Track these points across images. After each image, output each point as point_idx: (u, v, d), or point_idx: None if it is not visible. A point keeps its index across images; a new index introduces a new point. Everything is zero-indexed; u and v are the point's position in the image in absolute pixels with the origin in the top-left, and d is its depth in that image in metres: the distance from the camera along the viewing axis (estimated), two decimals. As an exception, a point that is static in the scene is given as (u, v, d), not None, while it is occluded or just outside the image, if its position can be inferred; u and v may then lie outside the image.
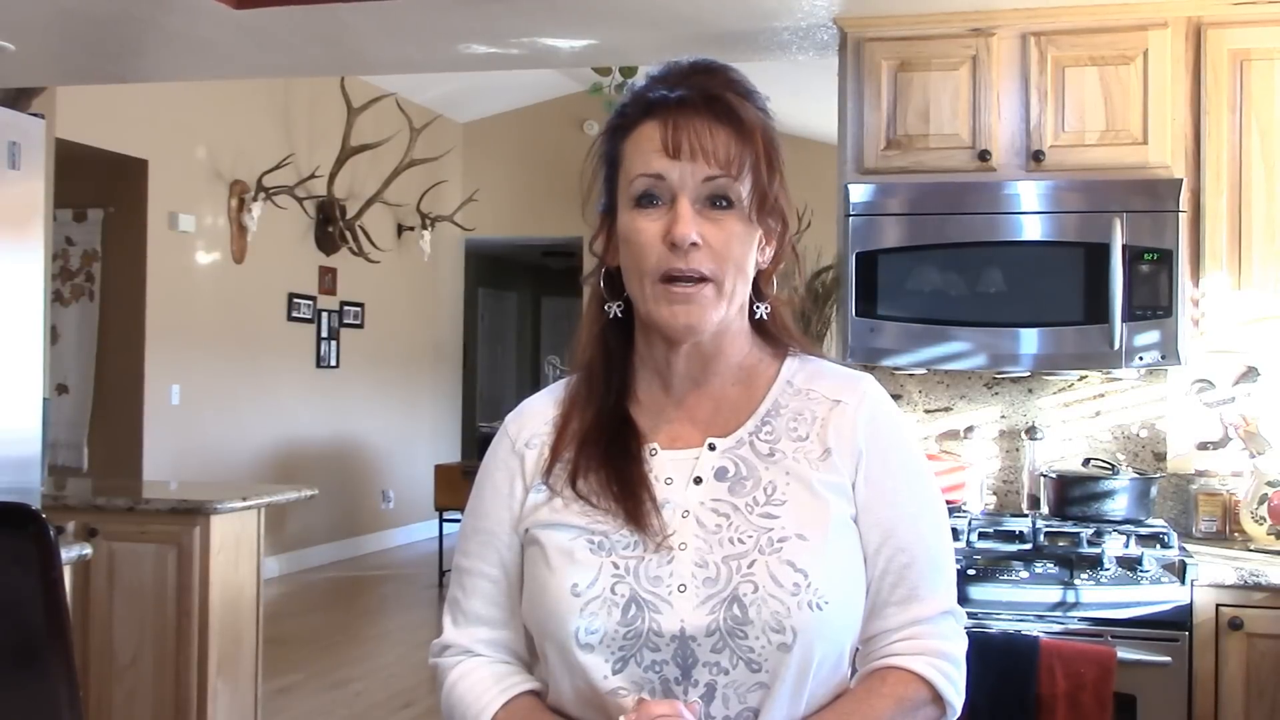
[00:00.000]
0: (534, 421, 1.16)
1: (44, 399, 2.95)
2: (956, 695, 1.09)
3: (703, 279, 1.05)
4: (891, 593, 1.09)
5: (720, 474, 1.09)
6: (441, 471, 7.16)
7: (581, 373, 1.15)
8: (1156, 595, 2.28)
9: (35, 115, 2.95)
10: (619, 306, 1.13)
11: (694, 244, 1.04)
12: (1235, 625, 2.25)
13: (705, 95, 1.07)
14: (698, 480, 1.09)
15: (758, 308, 1.13)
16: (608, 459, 1.09)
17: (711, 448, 1.10)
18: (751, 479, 1.08)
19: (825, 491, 1.08)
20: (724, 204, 1.06)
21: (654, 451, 1.11)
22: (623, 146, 1.10)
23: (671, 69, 1.11)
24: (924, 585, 1.09)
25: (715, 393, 1.13)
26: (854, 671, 1.11)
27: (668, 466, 1.10)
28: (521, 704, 1.10)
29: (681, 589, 1.04)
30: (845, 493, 1.09)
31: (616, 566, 1.05)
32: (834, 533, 1.07)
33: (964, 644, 1.12)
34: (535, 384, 10.25)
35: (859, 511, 1.09)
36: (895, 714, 1.05)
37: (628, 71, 6.28)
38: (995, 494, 2.87)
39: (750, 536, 1.05)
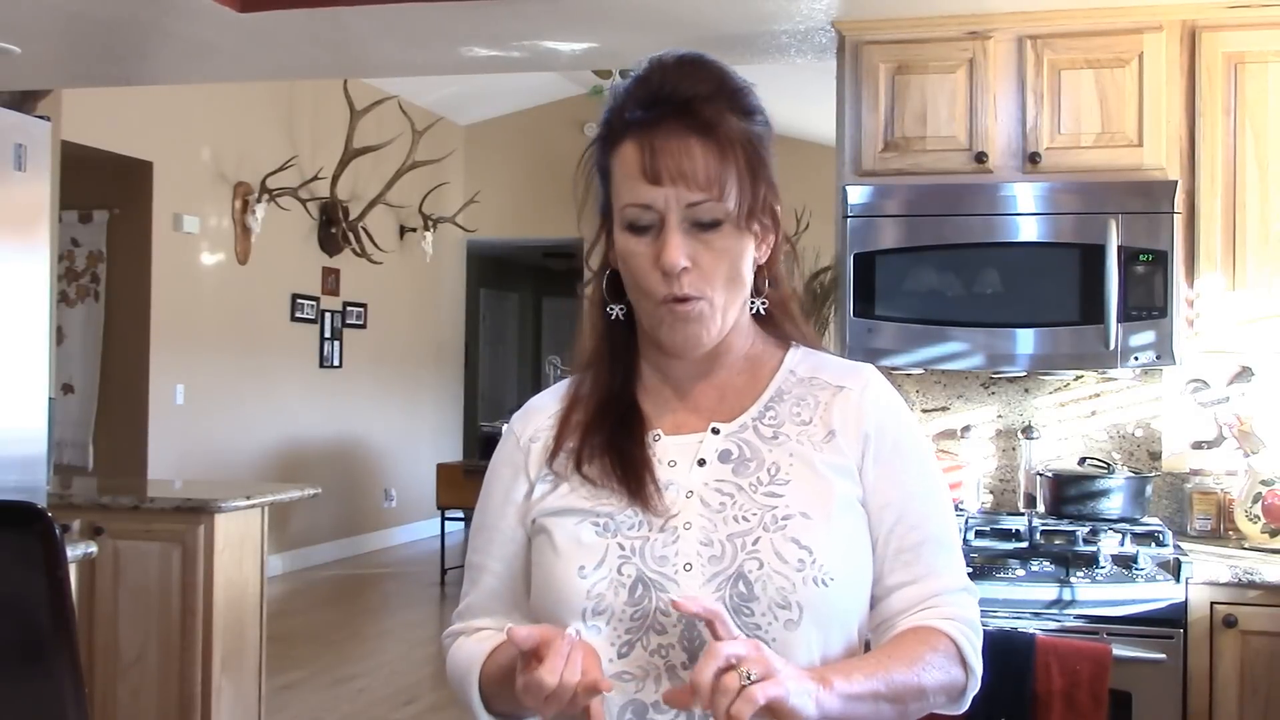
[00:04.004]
0: (538, 418, 1.17)
1: (49, 399, 2.96)
2: (978, 662, 1.08)
3: (698, 299, 1.06)
4: (907, 570, 1.09)
5: (724, 456, 1.10)
6: (443, 470, 7.18)
7: (587, 369, 1.16)
8: (1152, 593, 2.30)
9: (41, 118, 2.96)
10: (621, 309, 1.13)
11: (684, 268, 1.05)
12: (1230, 623, 2.27)
13: (682, 110, 1.05)
14: (701, 462, 1.10)
15: (753, 302, 1.13)
16: (611, 443, 1.11)
17: (715, 431, 1.11)
18: (755, 460, 1.09)
19: (829, 472, 1.09)
20: (710, 223, 1.06)
21: (657, 437, 1.12)
22: (610, 161, 1.09)
23: (655, 67, 1.09)
24: (938, 562, 1.10)
25: (720, 382, 1.14)
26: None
27: (671, 450, 1.11)
28: (506, 646, 1.10)
29: (688, 568, 1.05)
30: (850, 474, 1.10)
31: (622, 547, 1.06)
32: (838, 512, 1.07)
33: (979, 617, 1.11)
34: (536, 384, 10.26)
35: (868, 493, 1.10)
36: (931, 658, 1.05)
37: (628, 75, 6.30)
38: (992, 493, 2.89)
39: (754, 514, 1.06)
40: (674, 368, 1.14)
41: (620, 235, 1.08)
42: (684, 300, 1.06)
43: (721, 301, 1.08)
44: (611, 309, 1.13)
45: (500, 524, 1.16)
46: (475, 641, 1.14)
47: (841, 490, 1.09)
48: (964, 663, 1.08)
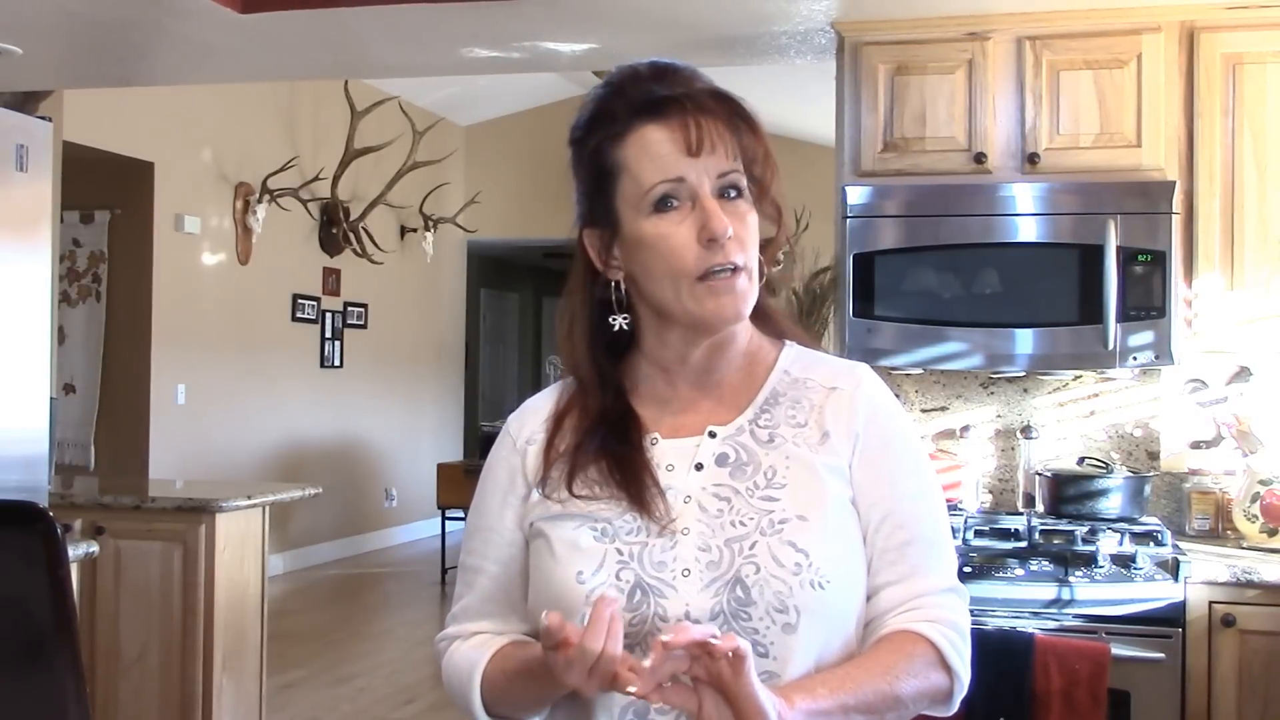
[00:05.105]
0: (534, 420, 1.17)
1: (51, 398, 2.97)
2: (963, 665, 1.08)
3: (736, 268, 1.06)
4: (891, 570, 1.09)
5: (721, 460, 1.10)
6: (444, 470, 7.19)
7: (581, 373, 1.15)
8: (1150, 592, 2.30)
9: (43, 118, 2.97)
10: (625, 319, 1.12)
11: (730, 236, 1.05)
12: (1228, 622, 2.28)
13: (703, 91, 1.08)
14: (699, 466, 1.10)
15: None
16: (608, 448, 1.10)
17: (712, 435, 1.11)
18: (752, 464, 1.09)
19: (825, 474, 1.09)
20: (734, 194, 1.07)
21: (655, 441, 1.12)
22: (620, 154, 1.08)
23: (631, 75, 1.10)
24: (925, 562, 1.10)
25: (719, 382, 1.14)
26: None
27: (669, 453, 1.11)
28: (507, 649, 1.12)
29: (685, 573, 1.05)
30: (843, 474, 1.10)
31: (621, 553, 1.06)
32: (833, 513, 1.08)
33: (968, 619, 1.11)
34: (536, 384, 10.28)
35: (856, 492, 1.10)
36: (905, 666, 1.04)
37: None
38: (991, 492, 2.90)
39: (751, 519, 1.06)
40: (681, 368, 1.13)
41: (647, 222, 1.07)
42: (728, 271, 1.06)
43: (755, 271, 1.09)
44: (614, 319, 1.12)
45: (497, 526, 1.15)
46: (472, 647, 1.14)
47: (836, 492, 1.09)
48: (947, 667, 1.07)
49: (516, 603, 1.14)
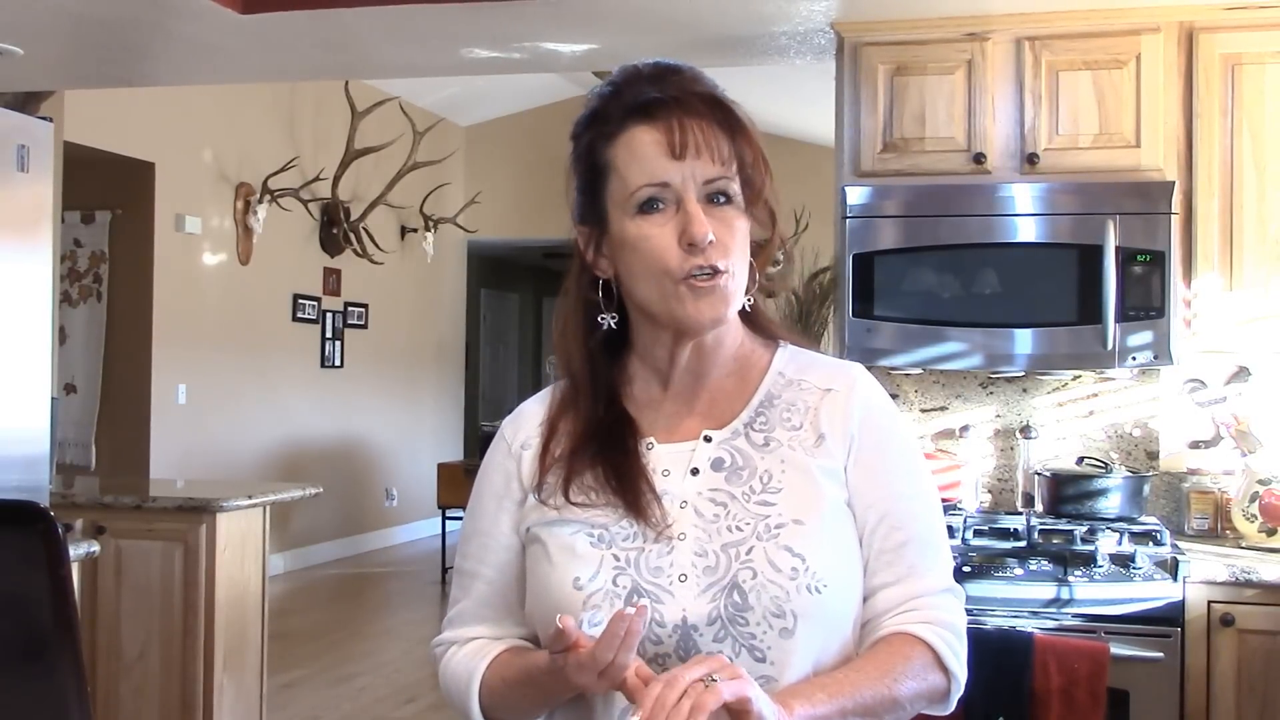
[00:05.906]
0: (530, 424, 1.17)
1: (52, 398, 2.98)
2: (959, 666, 1.09)
3: (718, 271, 1.06)
4: (888, 571, 1.09)
5: (717, 464, 1.10)
6: (444, 470, 7.20)
7: (570, 380, 1.16)
8: (1149, 592, 2.30)
9: (44, 119, 2.97)
10: (613, 318, 1.13)
11: (710, 241, 1.05)
12: (1227, 621, 2.28)
13: (695, 95, 1.08)
14: (694, 471, 1.10)
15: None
16: (603, 454, 1.11)
17: (707, 439, 1.11)
18: (748, 468, 1.10)
19: (820, 477, 1.09)
20: (723, 200, 1.07)
21: (650, 445, 1.12)
22: (611, 154, 1.09)
23: (632, 75, 1.10)
24: (921, 563, 1.10)
25: (712, 385, 1.14)
26: None
27: (664, 459, 1.11)
28: (505, 656, 1.12)
29: (682, 579, 1.05)
30: (838, 477, 1.10)
31: (617, 559, 1.07)
32: (829, 517, 1.08)
33: (964, 619, 1.11)
34: (536, 384, 10.28)
35: (852, 494, 1.10)
36: (903, 668, 1.05)
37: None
38: (990, 492, 2.90)
39: (748, 524, 1.06)
40: (672, 370, 1.13)
41: (631, 223, 1.07)
42: (709, 274, 1.06)
43: (740, 277, 1.09)
44: (603, 318, 1.13)
45: (493, 531, 1.15)
46: (468, 654, 1.14)
47: (832, 495, 1.09)
48: (944, 668, 1.08)
49: (513, 607, 1.15)
